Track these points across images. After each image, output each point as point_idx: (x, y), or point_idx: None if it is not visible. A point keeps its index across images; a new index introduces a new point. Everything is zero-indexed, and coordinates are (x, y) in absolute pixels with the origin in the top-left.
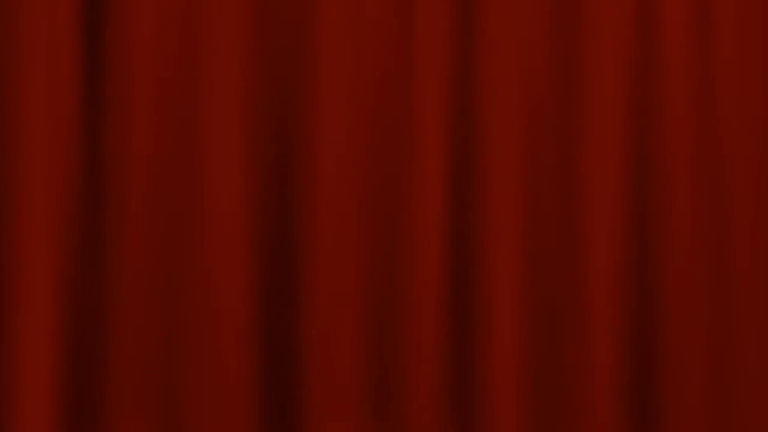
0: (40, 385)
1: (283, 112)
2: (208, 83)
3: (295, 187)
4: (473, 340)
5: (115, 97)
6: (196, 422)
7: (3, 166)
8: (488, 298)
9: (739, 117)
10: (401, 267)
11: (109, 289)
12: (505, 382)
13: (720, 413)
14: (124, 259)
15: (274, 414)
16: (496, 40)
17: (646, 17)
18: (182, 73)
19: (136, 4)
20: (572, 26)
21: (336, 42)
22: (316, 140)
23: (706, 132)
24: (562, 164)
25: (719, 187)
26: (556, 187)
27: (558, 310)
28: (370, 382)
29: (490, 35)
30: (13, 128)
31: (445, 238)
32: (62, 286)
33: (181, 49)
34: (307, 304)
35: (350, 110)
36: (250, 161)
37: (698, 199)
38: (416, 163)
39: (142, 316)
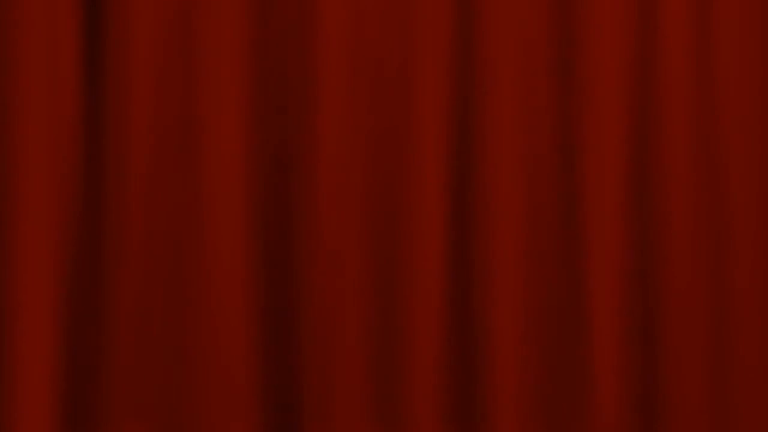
0: (40, 385)
1: (284, 111)
2: (209, 82)
3: (296, 187)
4: (475, 342)
5: (115, 97)
6: (196, 423)
7: (3, 166)
8: (490, 299)
9: (739, 117)
10: (403, 267)
11: (109, 289)
12: (507, 383)
13: (721, 413)
14: (124, 258)
15: (275, 416)
16: (496, 39)
17: (646, 17)
18: (182, 72)
19: (136, 4)
20: (572, 26)
21: (336, 41)
22: (316, 139)
23: (706, 132)
24: (562, 164)
25: (719, 187)
26: (557, 187)
27: (560, 311)
28: (372, 384)
29: (490, 34)
30: (13, 128)
31: (447, 238)
32: (62, 286)
33: (181, 49)
34: (308, 306)
35: (351, 109)
36: (250, 161)
37: (699, 198)
38: (417, 162)
39: (142, 316)
